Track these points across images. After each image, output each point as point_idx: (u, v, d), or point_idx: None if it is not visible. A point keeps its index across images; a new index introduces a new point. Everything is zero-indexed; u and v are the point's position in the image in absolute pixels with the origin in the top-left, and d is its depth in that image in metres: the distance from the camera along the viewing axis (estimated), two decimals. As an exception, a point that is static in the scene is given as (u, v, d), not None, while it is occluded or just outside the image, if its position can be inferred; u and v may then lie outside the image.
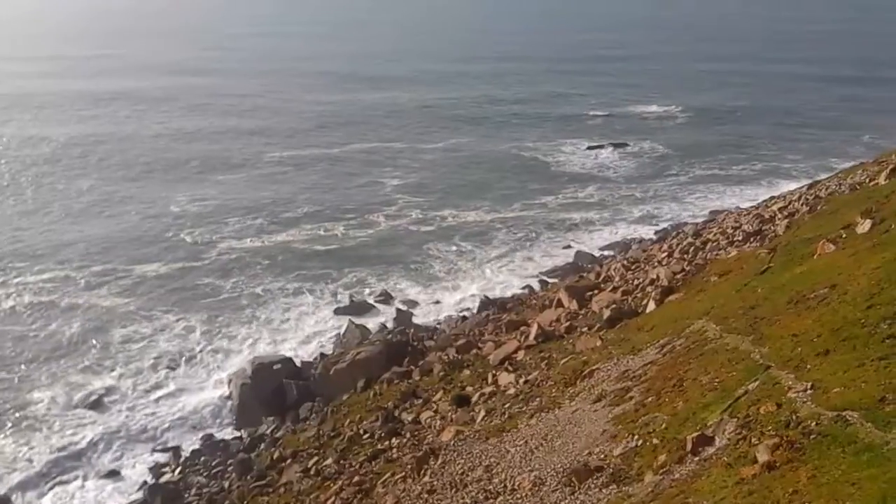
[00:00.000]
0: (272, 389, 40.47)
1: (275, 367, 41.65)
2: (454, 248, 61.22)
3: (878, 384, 15.16)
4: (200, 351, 45.78)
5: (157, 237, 62.50)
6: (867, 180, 47.60)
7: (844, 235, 32.40)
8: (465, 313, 50.08)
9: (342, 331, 47.32)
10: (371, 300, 52.74)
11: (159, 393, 41.52)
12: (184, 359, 44.76)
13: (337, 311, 50.95)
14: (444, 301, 52.79)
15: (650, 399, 22.00)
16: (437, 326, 48.57)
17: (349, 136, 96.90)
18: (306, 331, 48.62)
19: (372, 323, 48.93)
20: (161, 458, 36.61)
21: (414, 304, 52.34)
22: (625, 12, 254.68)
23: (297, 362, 43.44)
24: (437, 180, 78.60)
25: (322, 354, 44.94)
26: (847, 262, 26.46)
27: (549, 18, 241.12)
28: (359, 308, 51.45)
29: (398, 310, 50.69)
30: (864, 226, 31.84)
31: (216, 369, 43.93)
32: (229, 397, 41.00)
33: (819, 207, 45.90)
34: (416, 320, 49.58)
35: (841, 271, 25.24)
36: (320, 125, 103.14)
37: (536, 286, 53.65)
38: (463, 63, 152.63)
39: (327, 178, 79.40)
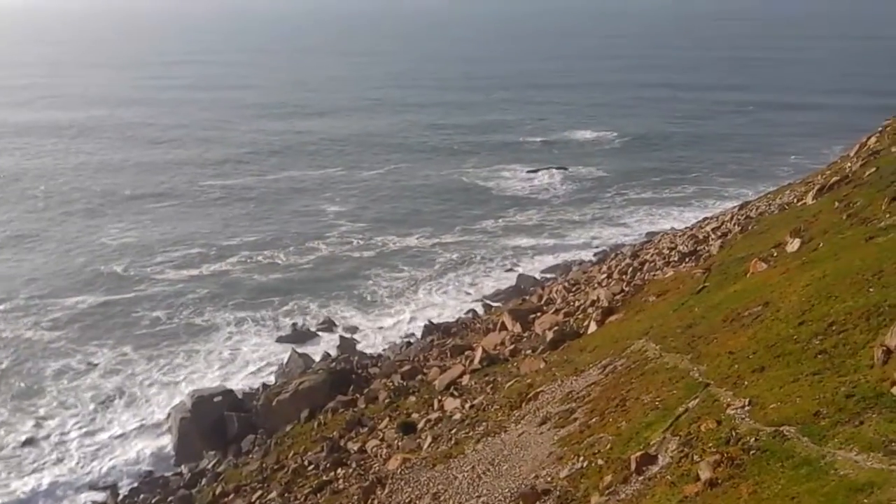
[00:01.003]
0: (213, 423, 39.51)
1: (215, 399, 40.70)
2: (397, 273, 61.11)
3: (812, 399, 15.62)
4: (137, 385, 44.50)
5: (88, 269, 60.73)
6: (795, 200, 49.35)
7: (775, 254, 33.48)
8: (410, 339, 49.92)
9: (284, 360, 46.61)
10: (313, 328, 52.16)
11: (94, 430, 40.15)
12: (120, 394, 43.43)
13: (279, 340, 50.22)
14: (387, 327, 52.56)
15: (594, 420, 22.21)
16: (382, 353, 48.26)
17: (288, 164, 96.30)
18: (247, 361, 47.76)
19: (315, 351, 48.35)
20: (98, 497, 35.31)
21: (357, 330, 51.98)
22: (562, 42, 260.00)
23: (239, 394, 42.54)
24: (377, 206, 78.57)
25: (264, 385, 44.14)
26: (779, 280, 27.31)
27: (490, 47, 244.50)
28: (301, 336, 50.82)
29: (341, 337, 50.24)
30: (794, 244, 32.97)
31: (154, 403, 42.72)
32: (168, 432, 39.88)
33: (750, 227, 47.35)
34: (359, 347, 49.19)
35: (773, 289, 26.02)
36: (258, 153, 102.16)
37: (480, 310, 53.85)
38: (403, 91, 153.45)
39: (266, 206, 78.60)
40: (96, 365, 46.45)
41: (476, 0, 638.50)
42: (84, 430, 40.05)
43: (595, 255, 64.02)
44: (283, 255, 64.58)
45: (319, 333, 51.40)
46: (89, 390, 43.65)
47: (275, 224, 72.71)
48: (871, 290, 20.73)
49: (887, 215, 29.31)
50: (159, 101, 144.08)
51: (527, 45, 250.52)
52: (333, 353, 48.07)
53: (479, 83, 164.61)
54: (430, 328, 50.38)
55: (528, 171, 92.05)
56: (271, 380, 44.98)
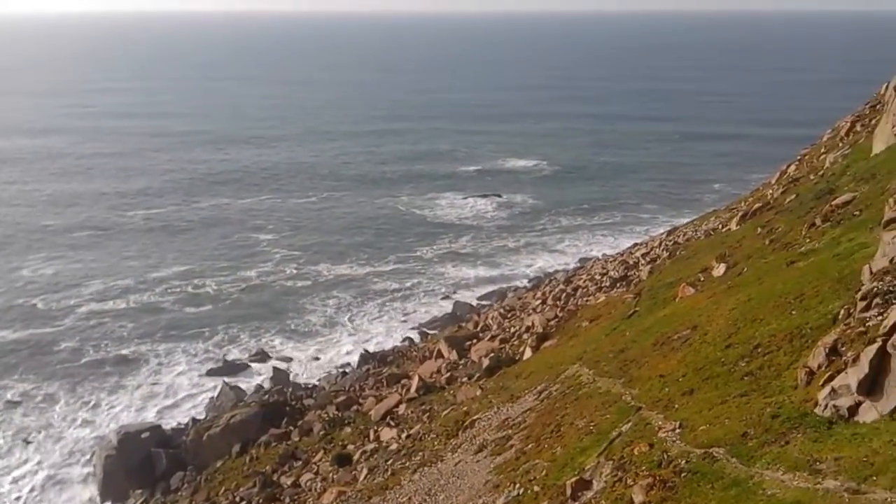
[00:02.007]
0: (140, 460, 38.16)
1: (142, 435, 39.36)
2: (331, 302, 60.48)
3: (740, 420, 15.99)
4: (59, 422, 42.67)
5: (5, 303, 58.26)
6: (720, 226, 50.91)
7: (702, 279, 34.41)
8: (345, 369, 49.34)
9: (215, 393, 45.47)
10: (245, 359, 51.09)
11: (15, 470, 38.28)
12: (42, 431, 41.55)
13: (209, 373, 48.99)
14: (322, 357, 51.86)
15: (530, 446, 22.26)
16: (316, 384, 47.55)
17: (217, 192, 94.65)
18: (176, 395, 46.40)
19: (247, 383, 47.32)
20: (14, 543, 33.56)
21: (291, 361, 51.13)
22: (495, 72, 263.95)
23: (167, 429, 41.27)
24: (310, 234, 77.85)
25: (194, 419, 42.92)
26: (706, 303, 28.05)
27: (423, 76, 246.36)
28: (232, 368, 49.70)
29: (275, 368, 49.31)
30: (720, 269, 33.97)
31: (78, 441, 41.01)
32: (93, 471, 38.29)
33: (678, 253, 48.60)
34: (293, 378, 48.35)
35: (701, 313, 26.69)
36: (186, 182, 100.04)
37: (416, 338, 53.67)
38: (336, 119, 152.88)
39: (194, 235, 76.98)
40: (16, 403, 44.39)
41: (411, 29, 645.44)
42: (3, 471, 38.12)
43: (530, 281, 64.68)
44: (213, 285, 63.24)
45: (251, 365, 50.37)
46: (7, 428, 41.66)
47: (204, 253, 71.23)
48: (793, 312, 21.44)
49: (807, 240, 30.47)
50: (80, 130, 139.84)
51: (459, 74, 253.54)
52: (266, 384, 47.14)
53: (412, 112, 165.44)
54: (366, 357, 49.93)
55: (463, 199, 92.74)
56: (201, 414, 43.76)
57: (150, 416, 43.47)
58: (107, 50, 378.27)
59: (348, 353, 51.98)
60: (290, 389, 45.68)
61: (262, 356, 51.49)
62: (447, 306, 59.63)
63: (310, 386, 47.05)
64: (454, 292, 62.99)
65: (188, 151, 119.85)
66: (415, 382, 38.79)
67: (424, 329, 55.45)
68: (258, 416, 39.75)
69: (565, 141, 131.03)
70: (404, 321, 57.38)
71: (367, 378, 45.31)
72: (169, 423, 42.31)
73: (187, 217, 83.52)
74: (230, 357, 51.18)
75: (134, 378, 47.94)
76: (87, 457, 39.19)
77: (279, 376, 48.05)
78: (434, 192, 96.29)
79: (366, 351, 51.02)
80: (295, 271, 66.91)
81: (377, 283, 64.38)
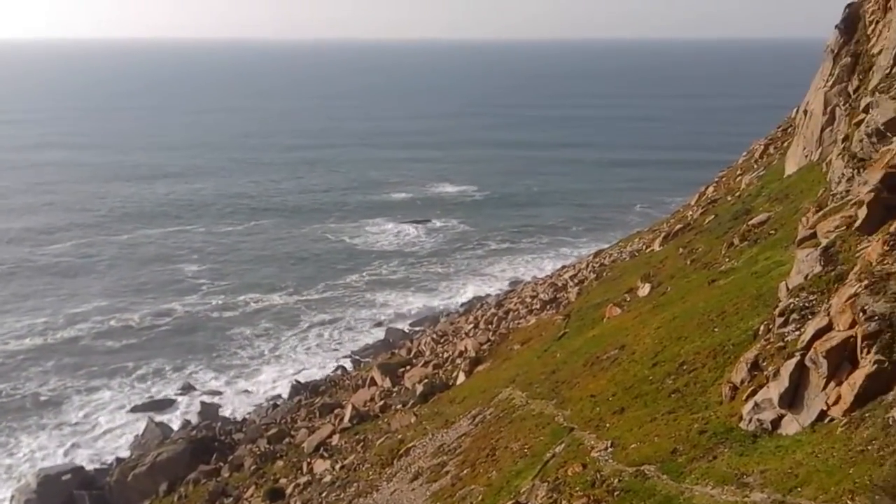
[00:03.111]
0: (62, 503, 36.47)
1: (64, 477, 37.68)
2: (260, 333, 59.36)
3: (669, 437, 16.34)
4: (-29, 468, 40.45)
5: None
6: (644, 247, 52.24)
7: (628, 299, 35.19)
8: (276, 401, 48.37)
9: (140, 430, 43.92)
10: (172, 394, 49.56)
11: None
12: (-49, 479, 39.32)
13: (134, 409, 47.33)
14: (252, 389, 50.74)
15: (465, 472, 22.23)
16: (247, 417, 46.48)
17: (141, 224, 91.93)
18: (99, 433, 44.63)
19: (173, 419, 45.92)
20: None
21: (219, 394, 49.85)
22: (424, 100, 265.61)
23: (90, 469, 39.62)
24: (237, 264, 76.41)
25: (118, 459, 41.36)
26: (632, 323, 28.68)
27: (350, 104, 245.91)
28: (158, 404, 48.14)
29: (202, 402, 47.99)
30: (645, 289, 34.81)
31: (-9, 487, 38.93)
32: (8, 518, 36.42)
33: (605, 274, 49.62)
34: (222, 412, 47.15)
35: (628, 332, 27.27)
36: (107, 214, 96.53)
37: (349, 366, 53.12)
38: (266, 151, 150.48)
39: (118, 268, 74.59)
40: (-78, 449, 41.95)
41: (339, 56, 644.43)
42: None
43: (462, 305, 64.91)
44: (136, 318, 61.32)
45: (178, 399, 48.91)
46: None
47: (127, 286, 69.07)
48: (715, 329, 22.13)
49: (726, 259, 31.53)
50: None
51: (388, 102, 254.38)
52: (194, 419, 45.83)
53: (340, 140, 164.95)
54: (298, 388, 49.11)
55: (393, 226, 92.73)
56: (126, 452, 42.21)
57: (71, 456, 41.65)
58: (14, 80, 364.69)
59: (279, 384, 51.01)
60: (219, 424, 44.55)
61: (189, 390, 50.08)
62: (379, 333, 59.26)
63: (240, 420, 45.96)
64: (386, 319, 62.66)
65: (107, 184, 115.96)
66: (348, 412, 38.35)
67: (357, 357, 54.94)
68: (186, 452, 38.58)
69: (494, 167, 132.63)
70: (336, 350, 56.74)
71: (298, 409, 44.57)
72: (92, 464, 40.68)
73: (108, 251, 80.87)
74: (155, 392, 49.60)
75: (54, 417, 45.94)
76: (6, 502, 37.23)
77: (207, 411, 46.80)
78: (364, 219, 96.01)
79: (297, 381, 50.20)
80: (221, 302, 65.48)
81: (307, 313, 63.54)
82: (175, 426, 44.70)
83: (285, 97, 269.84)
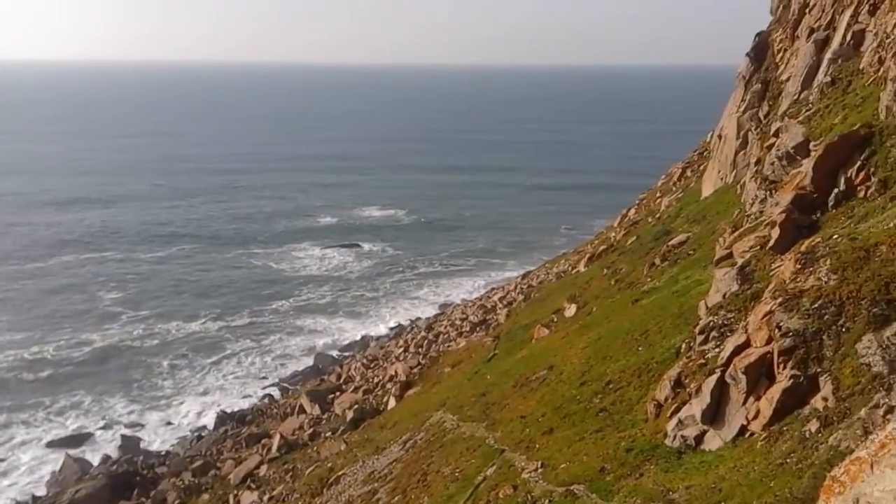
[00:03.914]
0: (-32, 549, 34.50)
1: (-29, 521, 35.65)
2: (183, 362, 57.64)
3: (597, 456, 16.56)
4: None
5: None
6: (570, 268, 53.16)
7: (556, 319, 35.68)
8: (201, 432, 46.96)
9: (57, 466, 41.95)
10: (90, 428, 47.56)
11: None
12: None
13: (50, 445, 45.18)
14: (175, 421, 49.12)
15: (397, 498, 22.00)
16: (170, 450, 44.96)
17: (56, 251, 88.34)
18: (14, 470, 42.41)
19: (92, 454, 44.05)
20: None
21: (141, 427, 48.09)
22: (351, 124, 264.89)
23: (0, 512, 37.59)
24: (160, 293, 74.16)
25: (34, 496, 39.43)
26: (560, 343, 29.06)
27: (280, 131, 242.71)
28: (76, 438, 46.10)
29: (123, 436, 46.20)
30: (571, 310, 35.37)
31: None
32: None
33: (533, 295, 50.24)
34: (144, 445, 45.49)
35: (556, 353, 27.62)
36: (26, 245, 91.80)
37: (277, 394, 52.06)
38: (191, 177, 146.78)
39: (35, 298, 71.39)
40: None
41: (268, 79, 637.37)
42: None
43: (391, 329, 64.57)
44: (52, 350, 58.75)
45: (97, 433, 46.95)
46: None
47: (43, 316, 66.20)
48: (640, 348, 22.62)
49: (649, 279, 32.34)
50: None
51: (317, 126, 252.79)
52: (114, 454, 44.08)
53: (266, 164, 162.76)
54: (223, 418, 47.83)
55: (322, 251, 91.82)
56: (42, 490, 40.27)
57: (-21, 498, 39.45)
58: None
59: (203, 415, 49.57)
60: (141, 458, 43.00)
61: (109, 424, 48.16)
62: (308, 360, 58.36)
63: (162, 452, 44.43)
64: (315, 345, 61.79)
65: (24, 211, 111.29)
66: (276, 441, 37.56)
67: (285, 384, 53.91)
68: (105, 488, 37.05)
69: (422, 191, 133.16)
70: (263, 378, 55.55)
71: (224, 440, 43.42)
72: (7, 502, 38.56)
73: (23, 280, 77.43)
74: (73, 427, 47.51)
75: (-39, 457, 43.47)
76: None
77: (128, 444, 45.09)
78: (290, 243, 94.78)
79: (222, 412, 48.89)
80: (142, 331, 63.42)
81: (232, 340, 62.10)
82: (94, 461, 42.92)
83: (210, 120, 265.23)
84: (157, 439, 46.60)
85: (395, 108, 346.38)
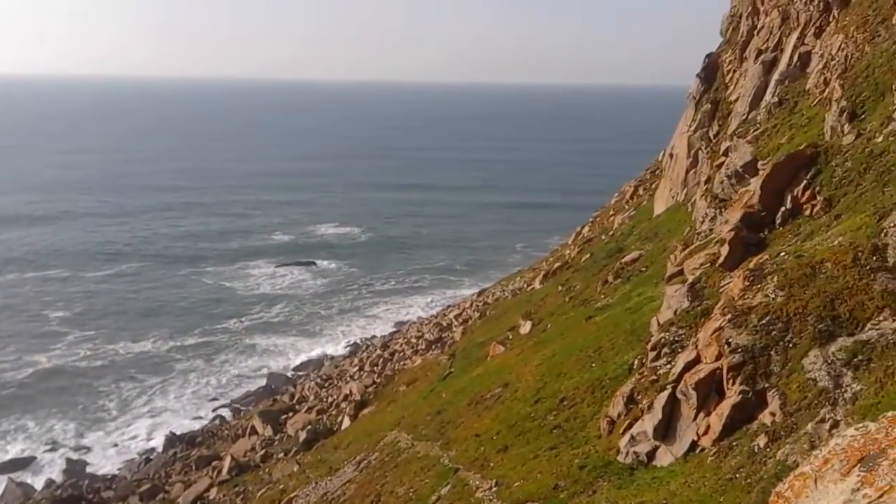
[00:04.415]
0: None
1: None
2: (132, 383, 56.21)
3: (551, 473, 16.50)
4: None
5: None
6: (525, 286, 53.38)
7: (511, 337, 35.71)
8: (149, 454, 45.77)
9: (0, 492, 40.52)
10: (34, 451, 46.00)
11: None
12: None
13: (-10, 471, 43.60)
14: (122, 443, 47.80)
15: (350, 520, 21.66)
16: (117, 473, 43.70)
17: (3, 271, 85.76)
18: (-51, 500, 40.79)
19: (36, 478, 42.60)
20: None
21: (87, 450, 46.68)
22: (309, 143, 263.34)
23: (-65, 541, 36.06)
24: (108, 312, 72.33)
25: (-29, 525, 37.94)
26: (515, 361, 29.05)
27: (233, 147, 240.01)
28: (20, 462, 44.56)
29: (68, 459, 44.78)
30: (526, 327, 35.44)
31: None
32: None
33: (488, 313, 50.29)
34: (90, 469, 44.14)
35: (511, 370, 27.58)
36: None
37: (228, 415, 51.03)
38: (141, 194, 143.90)
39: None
40: None
41: (223, 94, 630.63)
42: None
43: (346, 347, 63.97)
44: (-6, 372, 56.85)
45: (41, 457, 45.43)
46: None
47: (-16, 336, 64.07)
48: (593, 365, 22.70)
49: (602, 296, 32.60)
50: None
51: (271, 142, 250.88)
52: (59, 478, 42.68)
53: (219, 181, 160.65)
54: (172, 440, 46.71)
55: (276, 268, 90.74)
56: (-21, 519, 38.75)
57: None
58: None
59: (152, 437, 48.34)
60: (87, 482, 41.74)
61: (54, 446, 46.67)
62: (260, 379, 57.42)
63: (109, 476, 43.18)
64: (268, 364, 60.86)
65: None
66: (227, 463, 36.78)
67: (237, 405, 52.91)
68: (48, 515, 35.82)
69: (379, 209, 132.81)
70: (214, 399, 54.43)
71: (173, 463, 42.39)
72: (-63, 534, 37.00)
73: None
74: (16, 450, 45.90)
75: None
76: None
77: (73, 468, 43.73)
78: (244, 261, 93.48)
79: (171, 433, 47.73)
80: (90, 352, 61.76)
81: (182, 361, 60.81)
82: (38, 485, 41.53)
83: (163, 136, 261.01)
84: (103, 462, 45.29)
85: (351, 124, 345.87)
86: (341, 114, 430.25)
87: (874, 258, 15.99)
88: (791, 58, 34.64)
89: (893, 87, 23.90)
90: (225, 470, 36.29)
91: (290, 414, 44.51)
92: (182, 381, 57.01)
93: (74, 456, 45.48)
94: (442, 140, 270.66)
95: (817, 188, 21.89)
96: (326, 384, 50.53)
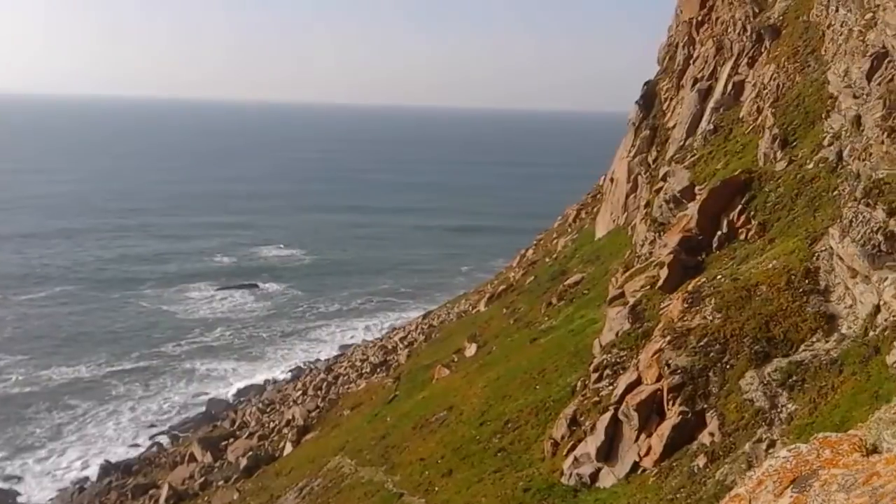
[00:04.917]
0: None
1: None
2: (66, 409, 54.26)
3: (495, 496, 16.49)
4: None
5: None
6: (470, 308, 53.53)
7: (456, 359, 35.72)
8: (83, 484, 44.19)
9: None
10: (-42, 484, 44.00)
11: None
12: None
13: None
14: (55, 472, 46.05)
15: (292, 548, 21.22)
16: (49, 503, 42.08)
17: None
18: None
19: (-41, 513, 40.71)
20: None
21: (18, 480, 44.85)
22: (244, 164, 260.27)
23: None
24: (41, 335, 69.86)
25: None
26: (460, 383, 29.04)
27: (171, 169, 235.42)
28: (-60, 497, 42.58)
29: (-4, 491, 42.97)
30: (471, 349, 35.50)
31: None
32: None
33: (434, 335, 50.24)
34: (21, 500, 42.51)
35: (456, 393, 27.56)
36: None
37: (166, 442, 49.66)
38: (77, 216, 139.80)
39: None
40: None
41: (161, 114, 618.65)
42: None
43: (289, 371, 62.98)
44: (-84, 400, 54.29)
45: (-35, 490, 43.48)
46: None
47: None
48: (537, 387, 22.84)
49: (546, 318, 32.89)
50: None
51: (210, 163, 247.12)
52: (-16, 511, 40.91)
53: (158, 203, 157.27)
54: (107, 468, 45.21)
55: (217, 291, 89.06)
56: None
57: None
58: None
59: (86, 465, 46.70)
60: (15, 514, 40.03)
61: (-21, 478, 44.72)
62: (200, 405, 56.09)
63: (39, 508, 41.53)
64: (208, 389, 59.50)
65: None
66: (164, 492, 35.77)
67: (175, 432, 51.52)
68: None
69: (323, 231, 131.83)
70: (152, 425, 52.91)
71: (108, 492, 41.05)
72: None
73: None
74: (-63, 483, 43.83)
75: None
76: None
77: (3, 498, 42.00)
78: (185, 284, 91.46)
79: (107, 462, 46.21)
80: (21, 378, 59.47)
81: (118, 386, 59.02)
82: (-40, 521, 39.66)
83: (89, 156, 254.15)
84: (34, 492, 43.59)
85: (288, 145, 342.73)
86: (272, 135, 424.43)
87: (807, 281, 16.53)
88: (725, 86, 35.80)
89: (823, 115, 24.89)
90: (162, 498, 35.27)
91: (231, 440, 43.57)
92: (118, 408, 55.29)
93: (5, 486, 43.69)
94: (382, 163, 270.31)
95: (752, 213, 22.57)
96: (268, 409, 49.66)
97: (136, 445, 49.57)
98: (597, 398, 17.35)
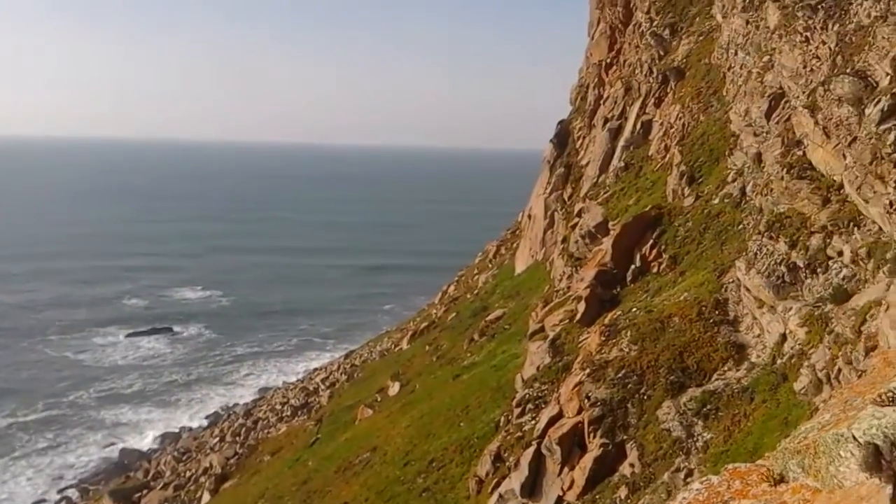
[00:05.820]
0: None
1: None
2: (-37, 467, 51.00)
3: (421, 538, 16.27)
4: None
5: None
6: (393, 346, 53.22)
7: (379, 399, 35.35)
8: (-19, 546, 41.50)
9: None
10: None
11: None
12: None
13: None
14: (-50, 536, 43.11)
15: None
16: (-59, 571, 39.27)
17: None
18: None
19: None
20: None
21: None
22: (158, 204, 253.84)
23: None
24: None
25: None
26: (384, 423, 28.73)
27: (79, 210, 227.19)
28: None
29: None
30: (394, 388, 35.24)
31: None
32: None
33: (356, 375, 49.66)
34: None
35: (380, 433, 27.23)
36: None
37: (75, 496, 47.18)
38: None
39: None
40: None
41: (69, 153, 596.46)
42: None
43: (206, 418, 60.94)
44: None
45: None
46: None
47: None
48: (461, 424, 22.81)
49: (468, 354, 33.00)
50: None
51: (123, 204, 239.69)
52: None
53: (60, 247, 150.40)
54: (10, 528, 42.62)
55: (129, 336, 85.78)
56: None
57: None
58: None
59: (-14, 526, 43.91)
60: None
61: None
62: (112, 455, 53.59)
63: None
64: (120, 438, 56.95)
65: None
66: (72, 550, 33.87)
67: (85, 485, 49.01)
68: None
69: (240, 273, 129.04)
70: (59, 478, 50.19)
71: (10, 554, 38.59)
72: None
73: None
74: None
75: None
76: None
77: None
78: (93, 330, 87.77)
79: (9, 520, 43.58)
80: (-87, 434, 55.68)
81: (21, 438, 55.84)
82: None
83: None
84: (-75, 560, 40.56)
85: (200, 185, 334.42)
86: (173, 173, 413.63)
87: (717, 312, 17.16)
88: (634, 125, 37.17)
89: (726, 152, 26.11)
90: (70, 558, 33.39)
91: (145, 491, 41.79)
92: (23, 461, 52.21)
93: None
94: (295, 202, 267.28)
95: (663, 247, 23.36)
96: (184, 458, 47.88)
97: (43, 501, 46.93)
98: (520, 433, 17.44)
